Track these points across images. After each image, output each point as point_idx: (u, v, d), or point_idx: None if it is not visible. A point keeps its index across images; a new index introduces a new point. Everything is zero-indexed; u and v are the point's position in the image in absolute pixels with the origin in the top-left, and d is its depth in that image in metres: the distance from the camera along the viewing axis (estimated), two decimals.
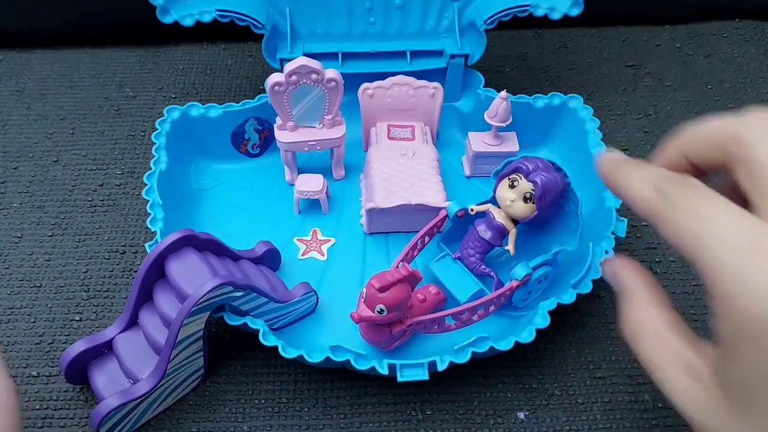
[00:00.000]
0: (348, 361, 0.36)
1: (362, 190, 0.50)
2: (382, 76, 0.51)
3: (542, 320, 0.38)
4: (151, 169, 0.46)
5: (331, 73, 0.46)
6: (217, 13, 0.49)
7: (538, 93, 0.52)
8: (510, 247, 0.43)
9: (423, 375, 0.36)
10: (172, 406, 0.40)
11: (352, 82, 0.50)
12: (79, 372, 0.39)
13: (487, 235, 0.43)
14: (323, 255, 0.47)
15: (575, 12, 0.51)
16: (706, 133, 0.26)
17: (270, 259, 0.45)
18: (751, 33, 0.66)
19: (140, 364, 0.38)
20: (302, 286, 0.42)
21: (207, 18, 0.49)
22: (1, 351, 0.42)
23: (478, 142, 0.51)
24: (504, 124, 0.49)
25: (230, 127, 0.51)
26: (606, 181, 0.30)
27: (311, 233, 0.48)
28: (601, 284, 0.45)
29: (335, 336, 0.42)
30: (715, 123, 0.26)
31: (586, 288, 0.40)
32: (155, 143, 0.48)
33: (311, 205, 0.50)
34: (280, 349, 0.37)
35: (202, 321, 0.37)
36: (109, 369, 0.39)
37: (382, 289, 0.36)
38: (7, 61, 0.63)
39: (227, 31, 0.55)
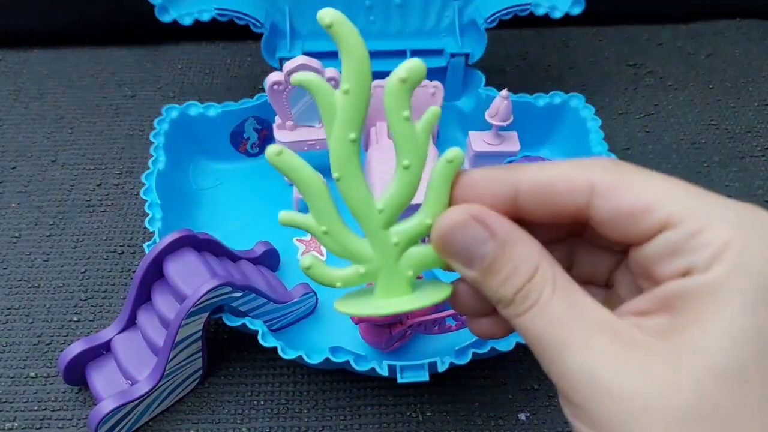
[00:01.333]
0: (348, 362, 0.36)
1: None
2: (382, 75, 0.50)
3: None
4: (149, 168, 0.46)
5: (330, 72, 0.46)
6: (216, 11, 0.49)
7: (539, 92, 0.52)
8: None
9: (423, 376, 0.36)
10: (171, 407, 0.40)
11: None
12: (77, 373, 0.39)
13: None
14: (323, 255, 0.47)
15: (576, 11, 0.50)
16: (567, 180, 0.20)
17: (269, 259, 0.45)
18: (753, 32, 0.66)
19: (139, 365, 0.38)
20: (301, 286, 0.42)
21: (206, 17, 0.49)
22: None
23: (479, 141, 0.51)
24: (505, 124, 0.49)
25: (229, 126, 0.51)
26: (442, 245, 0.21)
27: None
28: None
29: (335, 337, 0.42)
30: (578, 170, 0.20)
31: None
32: (154, 143, 0.48)
33: None
34: (279, 350, 0.37)
35: (200, 322, 0.37)
36: (107, 370, 0.39)
37: None
38: (5, 61, 0.63)
39: (226, 30, 0.55)
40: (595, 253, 0.23)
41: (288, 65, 0.45)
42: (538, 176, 0.20)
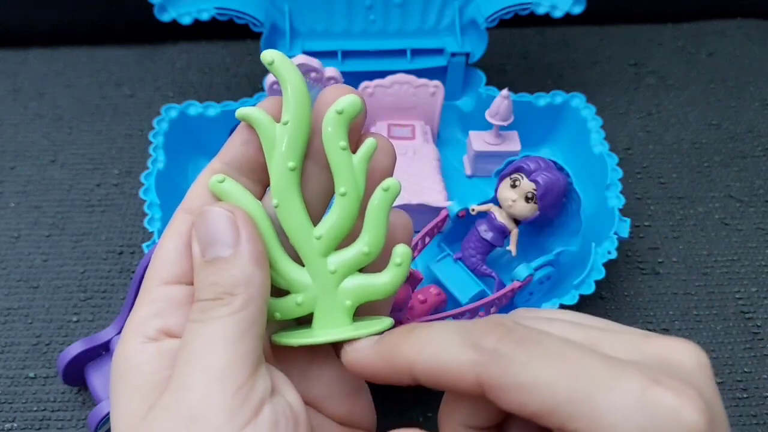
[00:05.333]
0: None
1: None
2: (382, 74, 0.50)
3: None
4: (148, 168, 0.46)
5: (330, 71, 0.45)
6: (216, 11, 0.49)
7: (540, 91, 0.52)
8: (511, 247, 0.43)
9: None
10: None
11: (352, 80, 0.50)
12: (76, 373, 0.39)
13: (488, 235, 0.43)
14: None
15: (577, 10, 0.50)
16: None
17: None
18: (754, 32, 0.66)
19: None
20: None
21: (205, 16, 0.49)
22: None
23: (479, 141, 0.50)
24: (505, 123, 0.49)
25: (229, 126, 0.51)
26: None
27: None
28: (603, 285, 0.45)
29: None
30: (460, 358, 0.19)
31: (589, 289, 0.40)
32: (153, 143, 0.48)
33: None
34: None
35: None
36: (106, 370, 0.39)
37: None
38: (3, 60, 0.62)
39: (226, 30, 0.55)
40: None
41: None
42: (427, 362, 0.19)
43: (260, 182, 0.23)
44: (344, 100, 0.21)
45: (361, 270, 0.23)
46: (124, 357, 0.21)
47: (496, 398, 0.18)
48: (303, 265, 0.23)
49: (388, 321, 0.23)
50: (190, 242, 0.22)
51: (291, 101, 0.22)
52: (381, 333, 0.22)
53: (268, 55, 0.22)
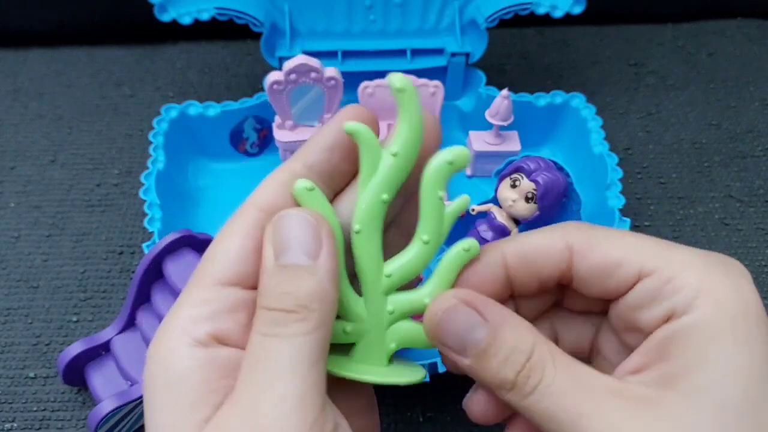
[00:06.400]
0: None
1: None
2: (383, 74, 0.50)
3: None
4: (148, 168, 0.46)
5: (330, 71, 0.45)
6: (216, 11, 0.49)
7: (540, 92, 0.52)
8: None
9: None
10: None
11: (352, 80, 0.50)
12: (76, 373, 0.39)
13: (488, 235, 0.43)
14: None
15: (577, 10, 0.50)
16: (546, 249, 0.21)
17: None
18: (754, 32, 0.66)
19: (138, 365, 0.38)
20: None
21: (205, 16, 0.49)
22: None
23: (479, 141, 0.50)
24: (505, 123, 0.49)
25: (229, 126, 0.51)
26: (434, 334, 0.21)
27: None
28: None
29: None
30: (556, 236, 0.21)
31: None
32: (153, 143, 0.48)
33: None
34: None
35: None
36: (106, 370, 0.39)
37: None
38: (3, 60, 0.62)
39: (226, 29, 0.55)
40: (576, 322, 0.23)
41: (288, 64, 0.45)
42: (522, 246, 0.21)
43: (333, 190, 0.22)
44: (456, 151, 0.21)
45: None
46: (166, 359, 0.19)
47: (581, 256, 0.21)
48: (359, 294, 0.22)
49: (421, 373, 0.23)
50: (260, 242, 0.20)
51: (406, 136, 0.21)
52: (416, 383, 0.23)
53: (398, 81, 0.20)
